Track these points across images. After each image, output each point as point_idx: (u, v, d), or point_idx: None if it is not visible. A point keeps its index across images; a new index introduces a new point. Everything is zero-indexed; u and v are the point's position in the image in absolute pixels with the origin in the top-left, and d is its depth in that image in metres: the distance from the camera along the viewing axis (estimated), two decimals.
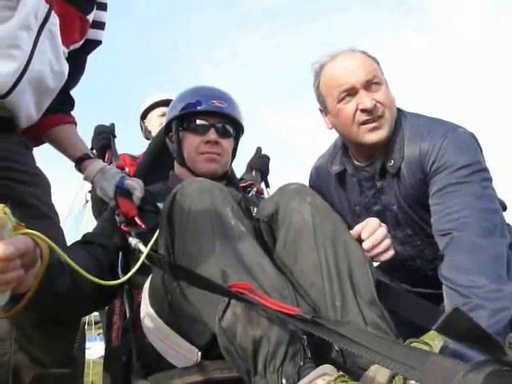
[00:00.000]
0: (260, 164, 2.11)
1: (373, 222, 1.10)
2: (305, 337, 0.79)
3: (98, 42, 1.43)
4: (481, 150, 1.25)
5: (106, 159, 1.80)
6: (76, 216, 1.91)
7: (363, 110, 1.22)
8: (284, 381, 0.74)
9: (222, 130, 1.43)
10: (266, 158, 2.16)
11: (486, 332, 0.45)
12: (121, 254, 1.20)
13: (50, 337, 1.06)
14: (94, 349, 4.56)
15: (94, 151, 1.82)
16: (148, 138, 2.46)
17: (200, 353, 0.95)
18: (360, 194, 1.37)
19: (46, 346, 1.06)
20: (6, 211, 0.70)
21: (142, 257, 1.03)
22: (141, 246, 1.09)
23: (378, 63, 1.31)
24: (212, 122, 1.42)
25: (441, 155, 1.18)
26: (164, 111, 2.14)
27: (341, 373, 0.72)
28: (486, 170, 1.21)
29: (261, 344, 0.77)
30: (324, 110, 1.34)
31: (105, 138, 1.82)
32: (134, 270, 1.02)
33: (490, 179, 1.20)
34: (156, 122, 2.35)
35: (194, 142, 1.42)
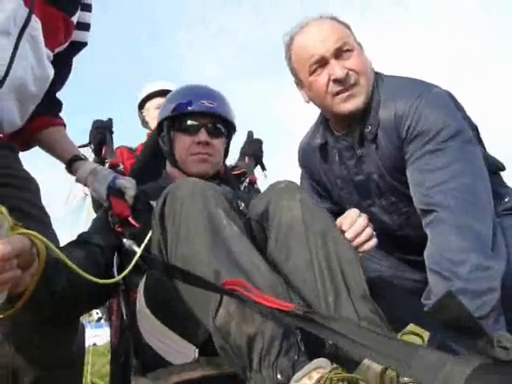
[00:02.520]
0: (253, 149, 2.12)
1: (352, 212, 1.12)
2: (298, 331, 0.80)
3: (83, 44, 1.43)
4: (459, 108, 1.21)
5: (102, 154, 1.81)
6: (74, 211, 1.91)
7: (335, 81, 1.19)
8: (279, 375, 0.75)
9: (212, 129, 1.44)
10: (259, 142, 2.16)
11: (475, 320, 0.47)
12: (116, 253, 1.21)
13: (49, 338, 1.07)
14: (102, 336, 4.57)
15: (92, 145, 1.83)
16: (146, 127, 2.47)
17: (197, 350, 0.97)
18: (340, 165, 1.35)
19: (45, 348, 1.07)
20: (2, 211, 0.70)
21: (136, 257, 1.04)
22: (135, 247, 1.10)
23: (348, 28, 1.27)
24: (203, 122, 1.43)
25: (416, 119, 1.14)
26: (160, 103, 2.14)
27: (335, 365, 0.73)
28: (465, 131, 1.15)
29: (255, 340, 0.79)
30: (299, 82, 1.32)
31: (101, 132, 1.83)
32: (128, 269, 1.03)
33: (471, 140, 1.15)
34: (153, 113, 2.34)
35: (185, 143, 1.43)
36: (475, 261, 0.99)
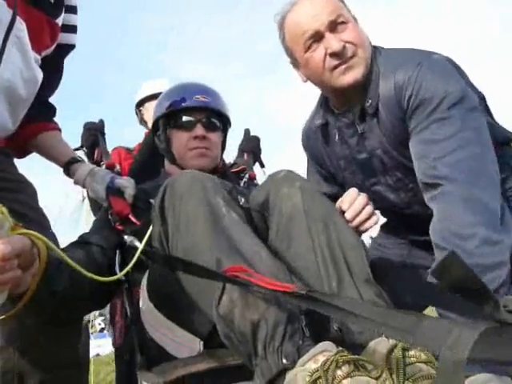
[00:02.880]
0: (251, 146, 2.12)
1: (351, 192, 1.11)
2: (303, 316, 0.80)
3: (70, 46, 1.42)
4: (461, 74, 1.15)
5: (95, 156, 1.80)
6: (72, 213, 1.90)
7: (332, 54, 1.15)
8: (284, 360, 0.74)
9: (208, 124, 1.44)
10: (256, 139, 2.17)
11: (480, 280, 0.46)
12: (118, 252, 1.20)
13: (53, 339, 1.07)
14: (105, 346, 4.55)
15: (85, 148, 1.82)
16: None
17: (202, 342, 0.96)
18: (341, 145, 1.31)
19: (49, 349, 1.07)
20: (3, 211, 0.70)
21: (138, 252, 1.04)
22: (136, 243, 1.09)
23: (341, 1, 1.22)
24: (198, 118, 1.43)
25: (417, 88, 1.09)
26: None
27: (340, 348, 0.73)
28: (469, 97, 1.10)
29: (259, 326, 0.78)
30: (295, 62, 1.27)
31: (93, 134, 1.82)
32: (130, 264, 1.03)
33: (476, 107, 1.10)
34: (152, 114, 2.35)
35: (183, 139, 1.43)
36: (484, 235, 0.95)
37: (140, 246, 1.07)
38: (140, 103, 2.45)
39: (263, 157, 2.17)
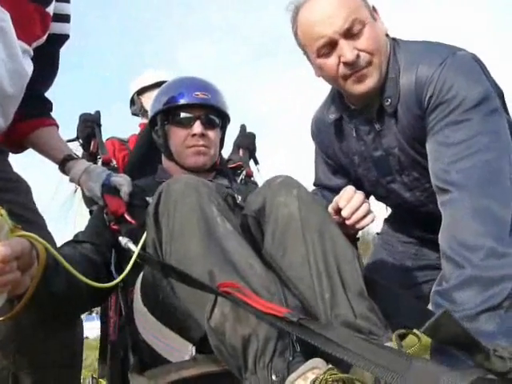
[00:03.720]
0: (247, 142, 2.10)
1: (349, 189, 1.11)
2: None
3: (64, 36, 1.38)
4: (486, 74, 1.09)
5: (91, 148, 1.77)
6: (63, 203, 1.87)
7: (345, 63, 1.11)
8: (274, 376, 0.75)
9: (207, 121, 1.42)
10: (252, 135, 2.14)
11: (473, 337, 0.46)
12: (113, 251, 1.20)
13: (50, 338, 1.08)
14: (93, 329, 4.54)
15: (80, 140, 1.80)
16: (136, 115, 2.44)
17: (194, 347, 0.97)
18: (357, 141, 1.28)
19: (46, 348, 1.08)
20: (2, 213, 0.70)
21: (133, 257, 1.04)
22: (131, 245, 1.09)
23: None
24: (197, 114, 1.41)
25: (439, 88, 1.05)
26: None
27: (330, 366, 0.73)
28: (491, 99, 1.05)
29: (250, 341, 0.78)
30: (308, 57, 1.23)
31: (89, 126, 1.79)
32: (126, 271, 1.04)
33: (497, 110, 1.05)
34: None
35: (181, 136, 1.41)
36: (491, 246, 0.92)
37: (134, 248, 1.07)
38: (141, 91, 2.41)
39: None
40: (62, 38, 1.38)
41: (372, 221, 1.12)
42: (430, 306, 0.97)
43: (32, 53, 1.23)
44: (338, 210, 1.11)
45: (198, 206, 0.96)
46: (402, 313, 0.96)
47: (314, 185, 1.54)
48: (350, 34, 1.10)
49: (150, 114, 1.52)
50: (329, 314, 0.88)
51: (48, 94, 1.42)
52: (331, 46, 1.12)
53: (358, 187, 1.22)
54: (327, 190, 1.48)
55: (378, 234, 1.62)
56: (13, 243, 0.69)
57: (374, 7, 1.19)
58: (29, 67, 1.21)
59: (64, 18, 1.35)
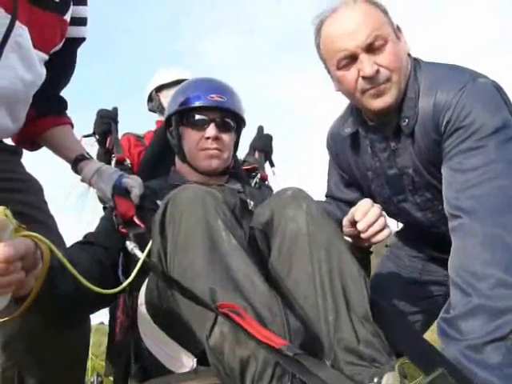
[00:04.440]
0: (263, 144, 2.07)
1: (365, 202, 1.09)
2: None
3: (81, 40, 1.38)
4: (506, 101, 1.09)
5: (107, 145, 1.77)
6: (77, 200, 1.89)
7: (364, 78, 1.11)
8: None
9: (222, 124, 1.41)
10: (269, 137, 2.11)
11: None
12: (121, 254, 1.20)
13: (56, 339, 1.09)
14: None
15: (97, 135, 1.80)
16: (153, 111, 2.43)
17: (196, 359, 0.96)
18: (372, 157, 1.28)
19: (51, 349, 1.09)
20: (6, 213, 0.70)
21: (138, 264, 1.03)
22: (137, 252, 1.09)
23: (384, 12, 1.15)
24: (212, 117, 1.39)
25: (457, 113, 1.05)
26: None
27: None
28: (508, 127, 1.03)
29: (248, 364, 0.77)
30: (329, 71, 1.24)
31: (106, 122, 1.78)
32: (131, 277, 1.03)
33: None
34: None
35: (195, 138, 1.40)
36: (500, 276, 0.90)
37: (140, 255, 1.06)
38: (159, 88, 2.40)
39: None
40: (79, 41, 1.38)
41: (388, 235, 1.10)
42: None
43: (47, 58, 1.24)
44: (354, 223, 1.09)
45: (204, 219, 0.95)
46: (403, 341, 0.93)
47: (326, 196, 1.53)
48: (371, 49, 1.10)
49: (166, 113, 1.51)
50: (331, 337, 0.87)
51: (64, 93, 1.43)
52: (351, 59, 1.12)
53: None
54: (339, 202, 1.47)
55: (386, 246, 1.60)
56: (17, 243, 0.69)
57: (398, 26, 1.18)
58: (43, 73, 1.22)
59: (81, 22, 1.35)
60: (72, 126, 1.45)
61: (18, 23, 1.10)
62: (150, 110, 2.49)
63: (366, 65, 1.09)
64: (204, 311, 0.84)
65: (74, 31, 1.33)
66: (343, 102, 1.38)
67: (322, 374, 0.62)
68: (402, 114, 1.15)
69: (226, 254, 0.91)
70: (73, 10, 1.29)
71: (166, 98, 2.34)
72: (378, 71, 1.10)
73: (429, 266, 1.47)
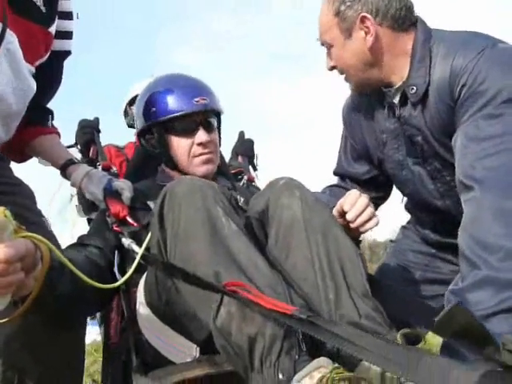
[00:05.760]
0: (245, 149, 2.09)
1: (353, 193, 1.12)
2: (300, 330, 0.80)
3: (66, 53, 1.39)
4: None
5: (90, 154, 1.76)
6: (60, 210, 1.87)
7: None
8: (280, 375, 0.76)
9: (208, 126, 1.39)
10: (250, 142, 2.15)
11: (484, 329, 0.46)
12: (116, 253, 1.20)
13: (55, 339, 1.08)
14: (88, 334, 4.46)
15: (79, 146, 1.79)
16: (132, 126, 2.43)
17: (198, 348, 0.97)
18: (389, 118, 1.26)
19: (51, 349, 1.07)
20: (6, 214, 0.70)
21: (137, 258, 1.03)
22: (134, 247, 1.09)
23: (336, 13, 1.17)
24: (198, 121, 1.36)
25: (473, 77, 1.00)
26: None
27: (336, 365, 0.74)
28: None
29: (256, 341, 0.79)
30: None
31: (88, 132, 1.76)
32: (130, 272, 1.03)
33: None
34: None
35: (185, 145, 1.35)
36: (509, 248, 0.88)
37: (138, 249, 1.06)
38: (132, 101, 2.39)
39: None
40: (64, 54, 1.39)
41: (376, 224, 1.12)
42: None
43: (34, 71, 1.24)
44: (343, 213, 1.12)
45: (203, 207, 0.96)
46: (407, 312, 0.95)
47: (334, 174, 1.54)
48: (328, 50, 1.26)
49: (141, 121, 1.41)
50: (333, 314, 0.89)
51: (51, 103, 1.44)
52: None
53: (380, 173, 1.30)
54: (347, 179, 1.49)
55: (391, 241, 1.59)
56: (17, 244, 0.69)
57: (362, 17, 1.16)
58: (32, 85, 1.22)
59: (65, 35, 1.35)
60: (59, 135, 1.46)
61: (8, 30, 1.10)
62: (128, 124, 2.49)
63: (327, 60, 1.27)
64: (208, 295, 0.85)
65: (59, 44, 1.33)
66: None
67: (339, 330, 0.64)
68: (409, 81, 1.14)
69: (227, 238, 0.93)
70: (58, 24, 1.30)
71: None
72: (332, 68, 1.26)
73: (434, 262, 1.45)
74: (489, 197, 0.94)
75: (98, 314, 1.49)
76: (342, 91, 1.43)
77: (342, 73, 1.25)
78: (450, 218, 1.24)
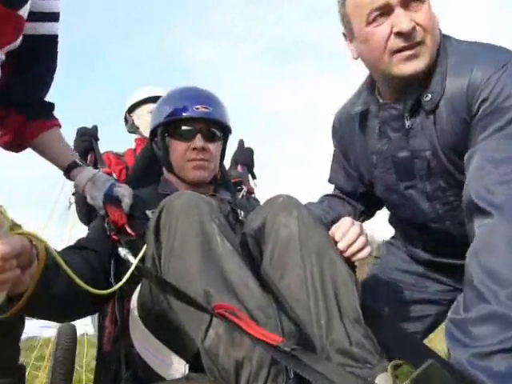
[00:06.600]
0: (245, 158, 2.10)
1: (346, 221, 1.09)
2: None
3: (52, 37, 1.27)
4: None
5: (88, 162, 1.76)
6: (60, 217, 1.89)
7: (399, 34, 0.99)
8: None
9: (208, 134, 1.42)
10: (250, 151, 2.15)
11: None
12: (113, 260, 1.20)
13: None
14: (92, 325, 4.44)
15: (77, 154, 1.80)
16: (133, 132, 2.44)
17: (188, 365, 0.96)
18: (380, 139, 1.18)
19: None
20: (2, 211, 0.70)
21: (131, 269, 1.04)
22: (130, 257, 1.09)
23: None
24: (198, 128, 1.41)
25: (496, 93, 0.94)
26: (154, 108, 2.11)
27: None
28: None
29: (243, 365, 0.78)
30: (349, 34, 1.12)
31: (86, 140, 1.77)
32: (123, 280, 1.03)
33: None
34: (147, 117, 2.31)
35: (181, 149, 1.41)
36: None
37: (133, 260, 1.07)
38: (131, 109, 2.41)
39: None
40: (50, 39, 1.27)
41: (369, 254, 1.10)
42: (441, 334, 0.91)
43: (4, 57, 1.16)
44: (335, 242, 1.08)
45: (199, 224, 0.96)
46: (395, 344, 0.92)
47: (329, 181, 1.51)
48: (408, 4, 1.00)
49: (151, 124, 1.51)
50: (324, 340, 0.88)
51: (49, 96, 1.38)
52: (386, 12, 1.01)
53: (371, 192, 1.21)
54: (340, 192, 1.45)
55: (376, 257, 1.54)
56: (13, 241, 0.69)
57: None
58: None
59: (49, 17, 1.23)
60: (60, 126, 1.42)
61: None
62: (129, 131, 2.50)
63: (404, 19, 0.98)
64: (198, 314, 0.85)
65: (43, 27, 1.22)
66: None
67: (321, 368, 0.63)
68: (428, 87, 1.05)
69: (221, 257, 0.92)
70: (42, 4, 1.19)
71: (137, 116, 2.37)
72: (414, 28, 0.99)
73: (422, 281, 1.41)
74: (505, 223, 0.88)
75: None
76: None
77: (420, 40, 1.01)
78: (448, 238, 1.19)
